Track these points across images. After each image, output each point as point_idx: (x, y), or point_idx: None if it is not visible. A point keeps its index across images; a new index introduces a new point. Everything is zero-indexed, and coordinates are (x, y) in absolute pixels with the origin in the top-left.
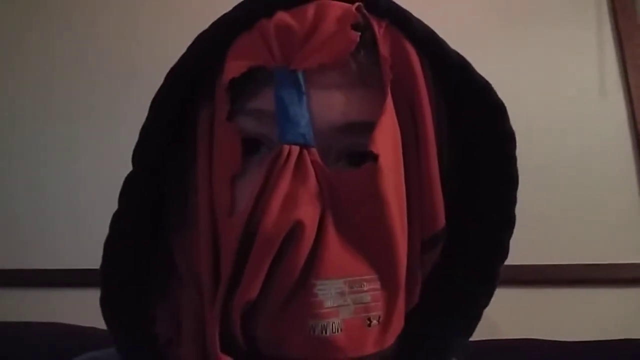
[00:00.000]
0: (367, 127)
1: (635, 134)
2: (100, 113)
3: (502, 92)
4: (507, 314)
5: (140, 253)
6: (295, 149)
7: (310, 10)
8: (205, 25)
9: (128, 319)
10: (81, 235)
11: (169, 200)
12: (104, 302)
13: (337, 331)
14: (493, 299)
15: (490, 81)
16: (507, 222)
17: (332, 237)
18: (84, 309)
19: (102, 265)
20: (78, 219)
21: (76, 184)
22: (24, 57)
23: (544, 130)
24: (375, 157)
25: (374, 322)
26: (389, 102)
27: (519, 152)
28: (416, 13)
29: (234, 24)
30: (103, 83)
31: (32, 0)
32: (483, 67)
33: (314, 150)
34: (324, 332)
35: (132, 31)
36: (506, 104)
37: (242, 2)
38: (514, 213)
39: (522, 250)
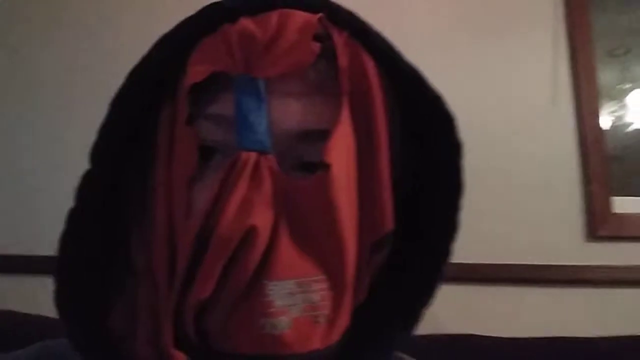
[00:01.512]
0: (323, 135)
1: (582, 143)
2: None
3: (455, 97)
4: (453, 310)
5: (96, 249)
6: (253, 156)
7: (274, 18)
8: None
9: (81, 312)
10: (35, 221)
11: (128, 197)
12: (58, 296)
13: (286, 329)
14: (443, 295)
15: (444, 87)
16: (451, 228)
17: (284, 241)
18: (33, 296)
19: (57, 260)
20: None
21: (21, 173)
22: (12, 48)
23: (496, 135)
24: (327, 167)
25: (322, 319)
26: (345, 111)
27: (473, 156)
28: (370, 19)
29: (197, 27)
30: (94, 72)
31: None
32: (437, 73)
33: (271, 157)
34: (273, 329)
35: (119, 25)
36: (459, 109)
37: (206, 6)
38: (459, 219)
39: (470, 249)
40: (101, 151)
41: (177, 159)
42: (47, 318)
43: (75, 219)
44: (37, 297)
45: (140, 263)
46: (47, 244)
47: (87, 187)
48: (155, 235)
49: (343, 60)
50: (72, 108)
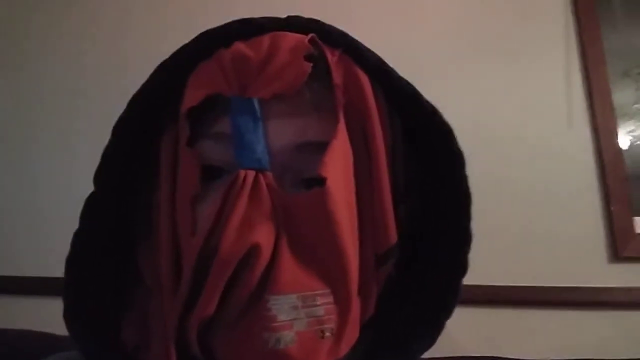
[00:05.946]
0: (322, 148)
1: (600, 163)
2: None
3: (470, 121)
4: (474, 333)
5: (104, 266)
6: (251, 174)
7: (266, 41)
8: (196, 23)
9: (93, 328)
10: (40, 243)
11: (133, 216)
12: (67, 314)
13: (291, 343)
14: (464, 318)
15: (459, 111)
16: (463, 237)
17: (286, 256)
18: (49, 318)
19: (64, 282)
20: (39, 226)
21: (33, 191)
22: (17, 68)
23: (514, 158)
24: (324, 180)
25: (327, 334)
26: (341, 125)
27: (492, 179)
28: (385, 41)
29: (194, 53)
30: (102, 91)
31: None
32: (451, 97)
33: (269, 174)
34: (277, 344)
35: (125, 31)
36: (475, 133)
37: (203, 33)
38: (470, 228)
39: (492, 271)
40: (105, 175)
41: (180, 179)
42: (64, 337)
43: (80, 240)
44: (53, 318)
45: (150, 278)
46: (63, 266)
47: (92, 210)
48: (161, 253)
49: (337, 77)
50: (83, 131)
